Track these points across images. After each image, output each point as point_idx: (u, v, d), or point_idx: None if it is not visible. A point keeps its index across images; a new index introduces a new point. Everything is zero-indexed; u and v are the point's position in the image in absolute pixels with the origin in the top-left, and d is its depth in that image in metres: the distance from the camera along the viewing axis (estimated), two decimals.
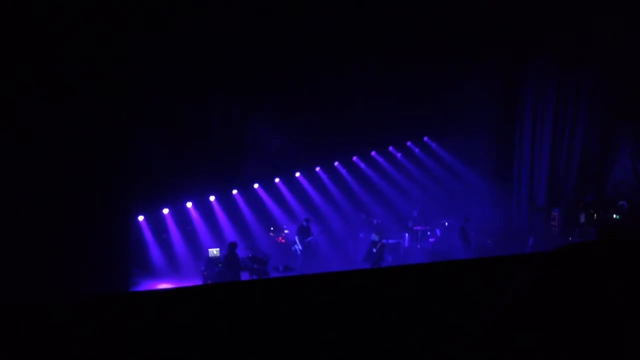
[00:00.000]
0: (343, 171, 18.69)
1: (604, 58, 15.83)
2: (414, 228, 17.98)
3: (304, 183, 18.16)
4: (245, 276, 13.38)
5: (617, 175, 17.29)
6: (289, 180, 18.07)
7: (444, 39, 15.56)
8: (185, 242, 16.10)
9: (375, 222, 17.60)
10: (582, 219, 16.38)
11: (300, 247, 15.73)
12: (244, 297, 2.41)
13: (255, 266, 13.20)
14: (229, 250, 13.13)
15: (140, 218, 15.65)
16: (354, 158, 18.81)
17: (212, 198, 16.57)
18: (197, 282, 14.39)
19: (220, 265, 13.68)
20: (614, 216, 16.02)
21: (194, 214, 16.29)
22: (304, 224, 16.15)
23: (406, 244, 17.84)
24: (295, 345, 2.15)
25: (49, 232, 9.70)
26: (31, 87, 9.65)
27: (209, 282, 13.47)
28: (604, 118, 17.03)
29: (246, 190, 17.55)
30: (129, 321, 2.05)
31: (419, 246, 17.91)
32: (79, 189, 10.24)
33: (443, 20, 15.10)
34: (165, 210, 15.98)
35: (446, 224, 18.19)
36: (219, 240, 15.89)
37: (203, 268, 14.02)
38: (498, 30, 15.82)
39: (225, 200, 16.92)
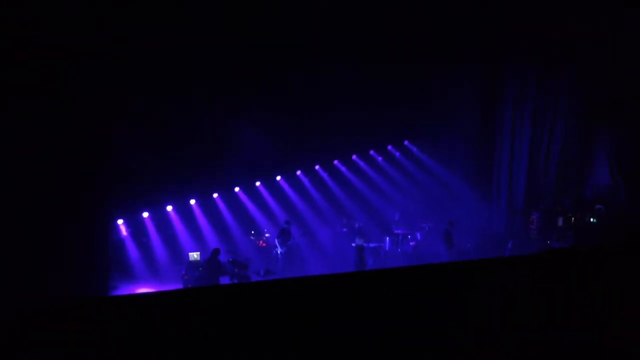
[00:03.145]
0: (324, 175, 18.69)
1: (583, 61, 16.05)
2: (395, 231, 18.04)
3: (285, 187, 18.13)
4: (225, 280, 13.31)
5: (596, 179, 17.52)
6: (270, 184, 18.03)
7: (423, 43, 15.66)
8: (165, 245, 15.98)
9: (357, 225, 17.63)
10: (560, 222, 16.54)
11: (281, 250, 15.70)
12: (226, 300, 2.40)
13: (236, 270, 13.14)
14: (212, 255, 13.09)
15: (120, 221, 15.50)
16: (335, 162, 18.82)
17: (192, 202, 16.46)
18: (177, 286, 14.28)
19: (200, 269, 13.60)
20: (591, 220, 16.22)
21: (174, 218, 16.17)
22: (285, 226, 16.13)
23: (387, 248, 17.89)
24: (277, 348, 2.14)
25: (26, 234, 9.57)
26: (10, 87, 9.53)
27: (189, 286, 13.38)
28: (583, 121, 17.25)
29: (227, 194, 17.47)
30: (107, 325, 2.02)
31: (399, 250, 17.97)
32: (56, 191, 10.11)
33: (422, 24, 15.20)
34: (145, 214, 15.84)
35: (426, 227, 18.28)
36: (199, 244, 15.80)
37: (183, 272, 13.93)
38: (477, 35, 15.97)
39: (206, 204, 16.82)
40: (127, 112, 15.28)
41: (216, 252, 13.17)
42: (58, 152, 10.06)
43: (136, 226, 15.94)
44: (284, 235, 15.93)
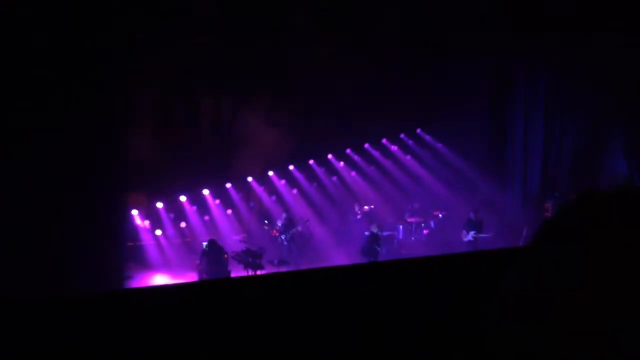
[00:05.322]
0: (337, 164, 18.67)
1: (598, 48, 15.81)
2: (408, 220, 18.02)
3: (298, 176, 18.13)
4: (240, 270, 13.39)
5: (611, 166, 17.35)
6: (283, 174, 18.04)
7: (434, 30, 15.53)
8: (179, 235, 16.09)
9: (366, 209, 17.55)
10: None
11: (285, 238, 15.76)
12: (241, 293, 2.40)
13: (250, 259, 13.20)
14: (210, 246, 13.35)
15: (134, 212, 15.62)
16: (348, 150, 18.78)
17: (205, 192, 16.53)
18: (191, 275, 14.39)
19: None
20: None
21: (188, 208, 16.26)
22: (284, 215, 16.23)
23: (400, 236, 17.87)
24: (289, 343, 2.14)
25: (41, 226, 9.67)
26: (20, 85, 9.59)
27: (204, 275, 13.48)
28: (598, 109, 17.04)
29: (240, 184, 17.52)
30: (123, 320, 2.03)
31: (412, 238, 17.96)
32: (70, 183, 10.19)
33: (433, 12, 15.07)
34: (159, 204, 15.95)
35: (440, 215, 18.23)
36: (213, 234, 15.88)
37: (198, 262, 14.01)
38: (489, 21, 15.79)
39: (219, 194, 16.89)
40: (139, 102, 15.38)
41: (212, 242, 13.45)
42: (73, 147, 10.12)
43: (150, 216, 16.06)
44: (285, 224, 16.02)
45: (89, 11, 10.19)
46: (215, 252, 13.38)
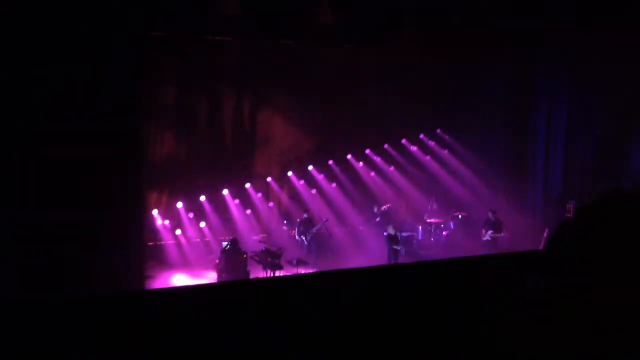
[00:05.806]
0: (356, 164, 18.62)
1: (620, 45, 15.51)
2: (428, 220, 17.93)
3: (317, 176, 18.12)
4: (259, 270, 13.45)
5: (635, 167, 17.06)
6: (302, 174, 18.04)
7: (455, 30, 15.43)
8: (199, 234, 16.20)
9: (383, 208, 17.49)
10: None
11: (306, 238, 15.81)
12: (258, 295, 2.41)
13: (269, 259, 13.24)
14: (231, 245, 13.43)
15: (155, 211, 15.76)
16: (367, 151, 18.73)
17: (225, 191, 16.61)
18: (210, 274, 14.48)
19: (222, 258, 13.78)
20: None
21: (208, 207, 16.35)
22: (305, 215, 16.26)
23: (419, 237, 17.80)
24: (306, 343, 2.14)
25: (62, 225, 9.79)
26: (42, 82, 9.73)
27: (223, 275, 13.55)
28: (622, 108, 16.75)
29: (260, 184, 17.56)
30: (143, 320, 2.05)
31: (432, 239, 17.87)
32: (91, 183, 10.31)
33: (454, 12, 14.98)
34: (179, 204, 16.07)
35: (460, 216, 18.11)
36: (232, 234, 15.95)
37: (217, 261, 14.08)
38: (510, 20, 15.64)
39: (239, 194, 16.95)
40: (160, 103, 15.54)
41: (234, 241, 13.56)
42: (94, 145, 10.24)
43: (170, 216, 16.19)
44: (305, 224, 16.05)
45: (109, 11, 10.30)
46: (235, 252, 13.45)
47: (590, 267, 0.97)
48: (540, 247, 14.07)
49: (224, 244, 14.22)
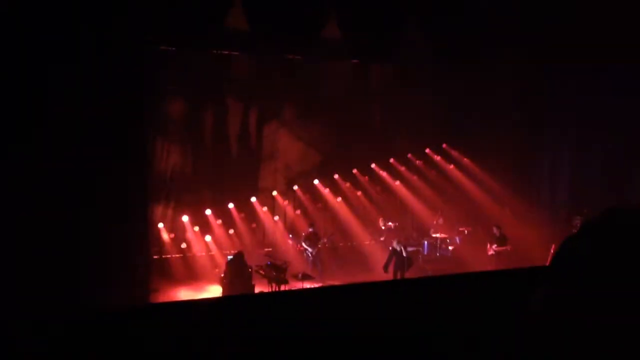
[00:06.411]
0: (362, 179, 18.61)
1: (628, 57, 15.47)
2: (433, 235, 17.89)
3: (323, 190, 18.12)
4: (264, 284, 13.41)
5: None
6: (308, 188, 18.05)
7: (462, 45, 15.45)
8: (204, 248, 16.20)
9: (391, 224, 17.47)
10: None
11: (311, 252, 15.76)
12: (263, 309, 2.41)
13: (274, 274, 13.21)
14: (236, 258, 13.37)
15: (160, 225, 15.78)
16: (373, 165, 18.72)
17: (230, 205, 16.62)
18: (215, 288, 14.45)
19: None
20: None
21: (213, 221, 16.36)
22: (310, 230, 16.23)
23: (425, 252, 17.75)
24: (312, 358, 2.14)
25: (68, 239, 9.82)
26: (48, 96, 9.81)
27: (227, 288, 13.51)
28: (631, 122, 16.69)
29: (265, 198, 17.58)
30: (146, 335, 2.05)
31: (438, 254, 17.81)
32: (97, 197, 10.35)
33: (462, 26, 15.01)
34: (185, 218, 16.08)
35: (465, 231, 18.05)
36: (238, 247, 15.93)
37: (222, 275, 14.05)
38: (517, 34, 15.65)
39: (244, 207, 16.96)
40: (167, 116, 15.63)
41: (239, 254, 13.47)
42: (100, 159, 10.28)
43: (176, 229, 16.20)
44: (311, 238, 16.01)
45: (116, 25, 10.39)
46: (239, 265, 13.40)
47: (597, 283, 0.97)
48: (547, 263, 13.94)
49: (229, 257, 14.21)
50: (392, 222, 17.65)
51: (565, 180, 17.58)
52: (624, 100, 16.18)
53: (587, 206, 16.88)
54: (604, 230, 1.06)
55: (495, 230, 15.57)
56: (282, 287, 12.89)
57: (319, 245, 16.03)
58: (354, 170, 18.48)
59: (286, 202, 17.85)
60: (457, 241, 17.94)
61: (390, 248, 14.69)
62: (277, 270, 13.26)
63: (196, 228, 16.19)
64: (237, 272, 13.30)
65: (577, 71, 16.47)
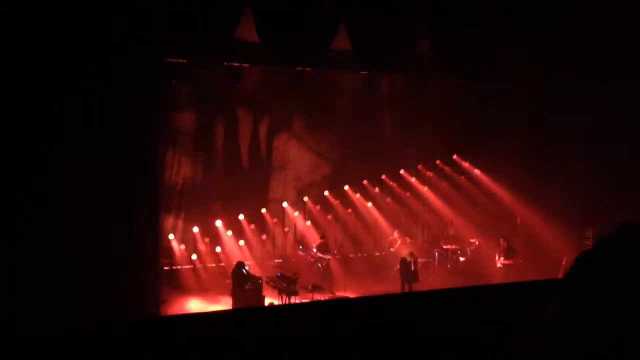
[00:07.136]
0: (372, 190, 18.58)
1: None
2: (444, 247, 17.81)
3: (334, 202, 18.11)
4: (274, 295, 13.38)
5: None
6: (318, 199, 18.04)
7: (472, 56, 15.42)
8: (214, 259, 16.20)
9: (402, 236, 17.43)
10: None
11: (322, 264, 15.75)
12: (274, 321, 2.40)
13: (284, 285, 13.17)
14: (236, 269, 13.30)
15: (171, 236, 15.82)
16: (383, 177, 18.68)
17: (241, 217, 16.63)
18: (226, 299, 14.41)
19: (250, 283, 13.65)
20: None
21: (224, 233, 16.37)
22: (321, 241, 16.20)
23: (436, 263, 17.68)
24: None
25: (79, 249, 9.86)
26: (61, 109, 9.90)
27: (237, 300, 13.47)
28: None
29: (275, 209, 17.58)
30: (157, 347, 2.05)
31: (449, 266, 17.72)
32: (108, 208, 10.40)
33: (468, 37, 14.98)
34: (195, 229, 16.11)
35: (477, 243, 17.94)
36: (248, 259, 15.92)
37: (232, 286, 14.01)
38: (524, 43, 15.61)
39: (255, 219, 16.96)
40: (178, 130, 15.71)
41: (240, 265, 13.38)
42: (111, 169, 10.35)
43: (187, 241, 16.23)
44: (322, 249, 15.98)
45: (126, 38, 10.48)
46: (239, 276, 13.27)
47: (610, 298, 0.96)
48: (559, 276, 13.90)
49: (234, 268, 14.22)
50: (407, 237, 17.63)
51: (578, 192, 17.41)
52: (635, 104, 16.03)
53: (599, 219, 16.72)
54: (618, 247, 1.06)
55: (502, 242, 15.46)
56: (293, 299, 12.85)
57: (329, 257, 16.01)
58: (365, 182, 18.46)
59: (297, 214, 17.84)
60: (469, 253, 17.84)
61: (401, 258, 14.65)
62: (287, 281, 13.22)
63: (207, 239, 16.21)
64: (237, 282, 13.24)
65: (588, 85, 16.29)
